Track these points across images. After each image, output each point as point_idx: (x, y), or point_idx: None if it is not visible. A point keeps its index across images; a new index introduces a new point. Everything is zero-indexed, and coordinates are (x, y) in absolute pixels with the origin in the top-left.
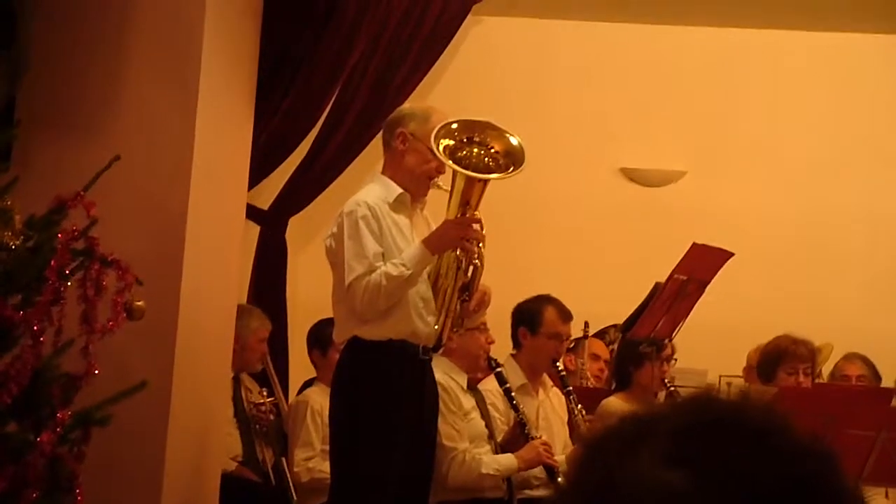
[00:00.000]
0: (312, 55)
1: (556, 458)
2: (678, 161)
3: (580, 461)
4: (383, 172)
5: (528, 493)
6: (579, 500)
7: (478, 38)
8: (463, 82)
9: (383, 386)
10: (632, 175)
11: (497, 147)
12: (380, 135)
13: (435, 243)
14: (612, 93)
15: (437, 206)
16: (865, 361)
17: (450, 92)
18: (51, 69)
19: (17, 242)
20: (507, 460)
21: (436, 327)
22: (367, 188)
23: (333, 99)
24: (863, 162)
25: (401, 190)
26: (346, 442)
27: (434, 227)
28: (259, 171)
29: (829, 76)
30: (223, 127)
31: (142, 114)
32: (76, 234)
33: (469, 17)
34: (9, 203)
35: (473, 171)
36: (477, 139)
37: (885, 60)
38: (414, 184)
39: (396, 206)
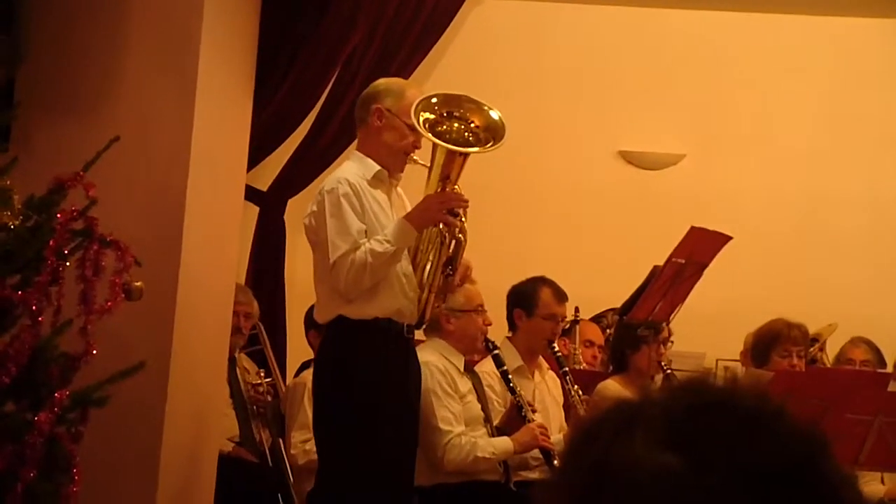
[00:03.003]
0: (312, 37)
1: (552, 440)
2: (677, 144)
3: (574, 445)
4: (358, 149)
5: (525, 474)
6: (573, 484)
7: (477, 20)
8: (462, 64)
9: (371, 365)
10: (630, 158)
11: (477, 121)
12: None
13: (418, 218)
14: (610, 75)
15: (412, 181)
16: (870, 346)
17: (448, 74)
18: (50, 51)
19: (17, 223)
20: (503, 444)
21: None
22: (345, 165)
23: (332, 81)
24: (862, 145)
25: (378, 167)
26: (335, 421)
27: (407, 202)
28: (258, 152)
29: (828, 59)
30: (222, 108)
31: (141, 95)
32: (75, 214)
33: None
34: (8, 183)
35: (453, 145)
36: (457, 114)
37: (883, 44)
38: (391, 160)
39: (374, 182)
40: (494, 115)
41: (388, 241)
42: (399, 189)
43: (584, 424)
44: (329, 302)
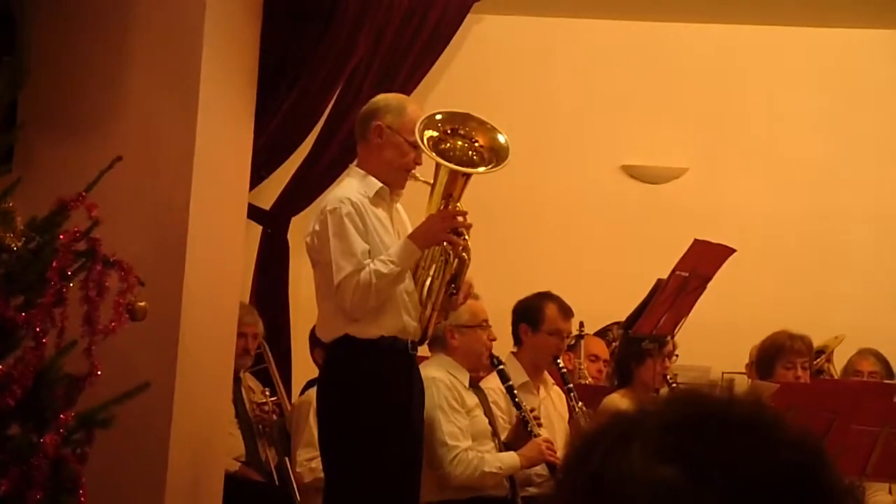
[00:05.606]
0: (314, 55)
1: (558, 455)
2: (680, 158)
3: (571, 457)
4: (359, 165)
5: (531, 490)
6: (571, 497)
7: (479, 36)
8: (464, 81)
9: (377, 383)
10: (633, 172)
11: (481, 141)
12: None
13: (422, 238)
14: (613, 90)
15: (413, 197)
16: (878, 357)
17: (451, 90)
18: (52, 72)
19: (19, 244)
20: (510, 458)
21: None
22: (346, 183)
23: (335, 98)
24: (866, 158)
25: (380, 184)
26: (341, 440)
27: (406, 219)
28: (261, 171)
29: (832, 72)
30: (224, 127)
31: (143, 115)
32: (78, 235)
33: (470, 15)
34: (11, 205)
35: (457, 163)
36: (461, 131)
37: (888, 56)
38: (392, 176)
39: (376, 200)
40: (501, 138)
41: (392, 262)
42: (398, 205)
43: (582, 437)
44: (333, 320)
